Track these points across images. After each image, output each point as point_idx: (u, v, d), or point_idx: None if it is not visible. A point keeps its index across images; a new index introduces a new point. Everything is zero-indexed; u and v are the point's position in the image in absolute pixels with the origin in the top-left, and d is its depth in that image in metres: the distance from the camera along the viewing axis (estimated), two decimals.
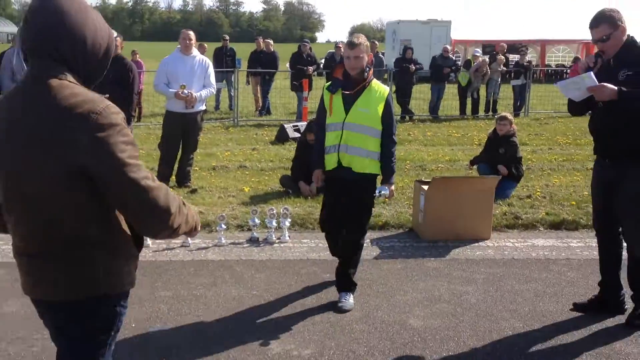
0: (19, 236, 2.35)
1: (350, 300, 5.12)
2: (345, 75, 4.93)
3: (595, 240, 6.94)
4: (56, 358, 2.49)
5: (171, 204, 2.29)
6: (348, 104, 4.91)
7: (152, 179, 2.25)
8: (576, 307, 5.16)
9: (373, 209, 5.37)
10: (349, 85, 4.90)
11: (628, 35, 4.61)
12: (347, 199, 5.05)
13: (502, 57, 18.71)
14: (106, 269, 2.35)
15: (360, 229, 5.17)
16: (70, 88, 2.22)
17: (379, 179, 5.11)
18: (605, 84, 4.48)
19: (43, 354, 4.26)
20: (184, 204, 2.40)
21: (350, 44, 4.81)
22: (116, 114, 2.21)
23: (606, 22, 4.56)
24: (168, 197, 2.28)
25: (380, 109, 4.90)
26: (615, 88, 4.44)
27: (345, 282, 5.19)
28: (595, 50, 4.71)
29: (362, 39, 4.88)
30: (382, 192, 5.01)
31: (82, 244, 2.29)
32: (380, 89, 4.97)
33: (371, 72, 4.96)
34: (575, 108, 4.94)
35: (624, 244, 4.94)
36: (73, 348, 2.44)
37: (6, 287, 5.34)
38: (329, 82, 5.09)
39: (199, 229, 2.54)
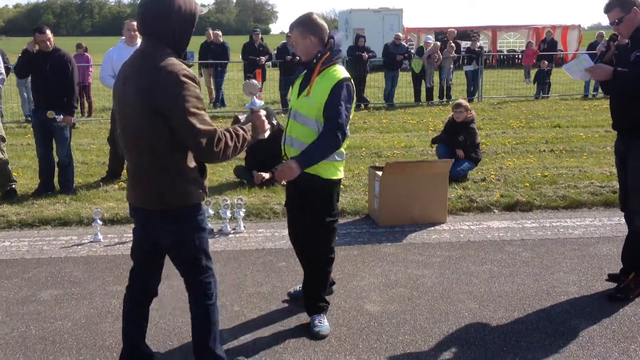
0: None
1: (324, 322, 4.45)
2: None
3: (550, 220, 7.06)
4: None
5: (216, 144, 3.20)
6: (301, 89, 4.28)
7: (207, 124, 3.18)
8: (610, 277, 5.22)
9: (334, 222, 4.43)
10: (309, 67, 4.25)
11: None
12: (300, 208, 4.47)
13: (453, 45, 18.82)
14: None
15: (315, 248, 4.44)
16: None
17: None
18: (600, 64, 4.70)
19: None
20: (234, 133, 3.32)
21: (289, 27, 4.29)
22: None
23: (617, 5, 4.68)
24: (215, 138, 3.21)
25: (325, 97, 4.13)
26: (610, 69, 4.60)
27: (312, 303, 4.53)
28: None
29: (302, 18, 4.21)
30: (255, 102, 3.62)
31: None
32: (334, 74, 4.16)
33: (325, 56, 4.18)
34: (601, 86, 5.19)
35: None
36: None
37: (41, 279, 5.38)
38: None
39: (252, 137, 3.47)
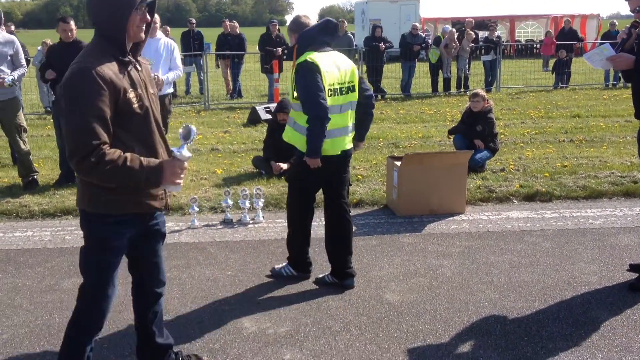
0: None
1: (285, 267, 5.23)
2: None
3: (570, 210, 7.01)
4: None
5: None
6: None
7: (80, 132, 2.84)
8: (632, 267, 5.17)
9: (293, 188, 5.11)
10: None
11: None
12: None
13: (472, 33, 18.69)
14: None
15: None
16: None
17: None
18: (622, 54, 4.66)
19: None
20: (127, 160, 2.91)
21: None
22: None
23: None
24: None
25: (293, 82, 4.75)
26: (632, 58, 4.56)
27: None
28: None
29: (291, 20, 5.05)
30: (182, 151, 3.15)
31: None
32: (296, 62, 4.76)
33: (295, 47, 4.80)
34: (623, 75, 5.09)
35: None
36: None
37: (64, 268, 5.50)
38: None
39: (152, 181, 3.01)
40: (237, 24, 18.15)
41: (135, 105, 3.04)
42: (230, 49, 17.43)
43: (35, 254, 5.86)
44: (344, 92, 4.77)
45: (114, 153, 2.89)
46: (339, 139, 4.79)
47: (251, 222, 6.69)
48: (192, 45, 18.17)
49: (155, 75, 8.11)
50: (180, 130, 3.18)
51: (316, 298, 4.82)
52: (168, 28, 16.97)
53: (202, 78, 17.26)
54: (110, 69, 2.94)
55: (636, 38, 4.84)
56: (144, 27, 3.09)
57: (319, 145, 4.64)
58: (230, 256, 5.76)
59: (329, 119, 4.57)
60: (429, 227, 6.49)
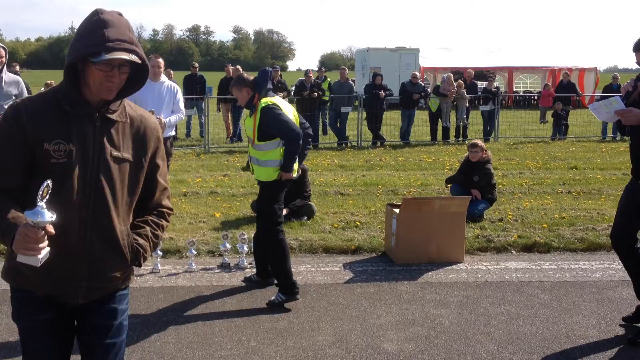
0: None
1: (280, 296, 5.63)
2: None
3: (568, 262, 7.00)
4: None
5: None
6: None
7: None
8: (625, 320, 5.17)
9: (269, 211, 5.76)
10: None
11: None
12: None
13: (461, 82, 18.89)
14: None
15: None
16: None
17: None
18: (632, 108, 4.59)
19: None
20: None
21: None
22: None
23: None
24: None
25: (255, 124, 5.60)
26: None
27: (277, 282, 5.82)
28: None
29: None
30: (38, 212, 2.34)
31: None
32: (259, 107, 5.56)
33: (255, 98, 5.61)
34: (619, 127, 5.07)
35: None
36: None
37: None
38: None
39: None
40: (240, 68, 18.36)
41: (55, 160, 2.48)
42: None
43: None
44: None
45: None
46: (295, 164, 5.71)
47: (249, 266, 6.67)
48: (194, 89, 18.36)
49: (157, 117, 8.19)
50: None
51: (313, 347, 4.78)
52: (171, 71, 17.18)
53: (202, 121, 17.39)
54: (40, 114, 2.50)
55: None
56: (111, 87, 2.51)
57: (293, 163, 5.57)
58: (227, 301, 5.72)
59: (301, 138, 5.53)
60: (427, 276, 6.47)
